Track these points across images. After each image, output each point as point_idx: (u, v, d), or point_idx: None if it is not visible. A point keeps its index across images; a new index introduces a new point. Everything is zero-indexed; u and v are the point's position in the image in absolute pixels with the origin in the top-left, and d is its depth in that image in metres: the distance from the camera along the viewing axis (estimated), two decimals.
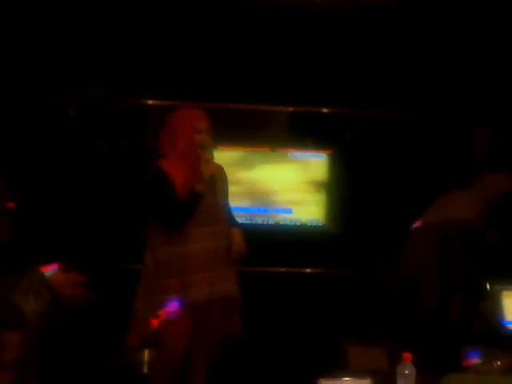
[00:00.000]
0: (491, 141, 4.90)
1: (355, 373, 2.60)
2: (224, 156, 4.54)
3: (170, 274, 3.20)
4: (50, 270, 2.86)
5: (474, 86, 4.79)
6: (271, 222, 4.84)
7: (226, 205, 3.40)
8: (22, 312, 2.48)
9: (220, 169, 3.42)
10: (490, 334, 3.64)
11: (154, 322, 3.15)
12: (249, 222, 4.70)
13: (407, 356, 2.50)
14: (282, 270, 4.81)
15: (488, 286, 3.74)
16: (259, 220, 4.80)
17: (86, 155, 4.72)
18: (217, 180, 3.32)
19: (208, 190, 3.22)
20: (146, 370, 3.95)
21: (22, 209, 4.48)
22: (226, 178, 3.44)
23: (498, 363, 3.18)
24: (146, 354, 4.03)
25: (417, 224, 4.25)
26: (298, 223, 4.86)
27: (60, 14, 4.51)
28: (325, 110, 4.98)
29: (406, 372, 2.49)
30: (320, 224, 4.87)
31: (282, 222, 4.84)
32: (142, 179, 3.40)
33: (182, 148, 3.24)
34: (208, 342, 3.35)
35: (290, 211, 4.85)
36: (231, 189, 3.50)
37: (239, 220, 3.57)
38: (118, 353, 3.53)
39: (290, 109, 5.01)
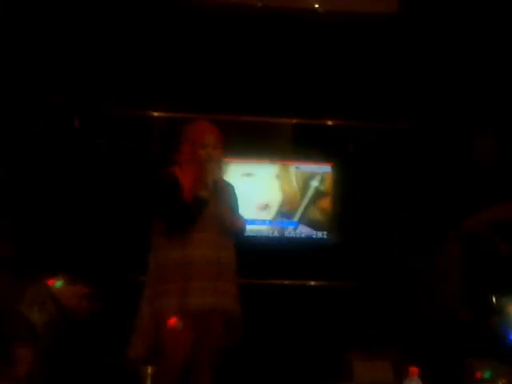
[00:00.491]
0: (493, 151, 4.89)
1: None
2: (228, 168, 4.55)
3: (171, 278, 3.21)
4: (55, 282, 2.86)
5: (476, 98, 4.78)
6: (276, 234, 4.82)
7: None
8: (32, 325, 2.47)
9: (227, 184, 3.50)
10: (497, 347, 3.62)
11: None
12: (253, 234, 4.68)
13: (414, 370, 2.48)
14: (286, 282, 4.79)
15: (494, 299, 3.73)
16: (264, 232, 4.79)
17: (90, 165, 4.71)
18: (223, 193, 3.37)
19: (213, 198, 3.27)
20: (149, 382, 3.95)
21: (24, 218, 4.47)
22: (233, 194, 3.49)
23: (504, 380, 3.17)
24: (149, 367, 4.03)
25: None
26: (302, 235, 4.84)
27: (64, 20, 4.51)
28: (329, 122, 4.97)
29: None
30: (325, 236, 4.85)
31: (286, 235, 4.83)
32: (153, 182, 3.46)
33: (187, 160, 3.36)
34: (210, 351, 3.34)
35: (294, 223, 4.84)
36: None
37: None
38: (123, 364, 3.52)
39: (294, 121, 5.01)
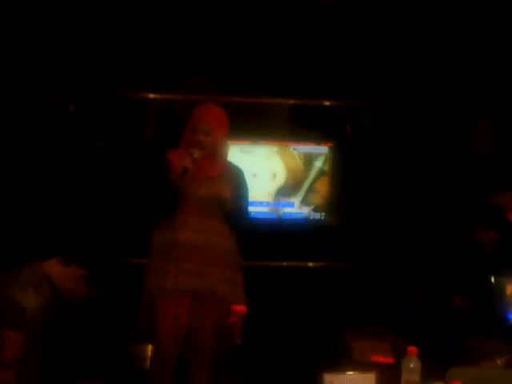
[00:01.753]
0: (493, 132, 4.86)
1: (360, 366, 2.58)
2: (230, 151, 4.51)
3: (158, 259, 3.30)
4: (50, 264, 2.85)
5: (475, 77, 4.75)
6: (273, 215, 4.81)
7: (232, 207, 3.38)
8: (22, 309, 2.46)
9: (235, 171, 3.47)
10: (495, 327, 3.63)
11: None
12: (251, 216, 4.66)
13: (412, 350, 2.47)
14: (284, 264, 4.79)
15: (493, 279, 3.73)
16: (261, 214, 4.77)
17: (86, 151, 4.69)
18: (223, 178, 3.36)
19: (204, 183, 3.27)
20: (148, 363, 3.96)
21: (23, 203, 4.47)
22: (239, 182, 3.44)
23: (502, 360, 3.17)
24: (149, 349, 4.04)
25: None
26: (299, 217, 4.83)
27: (59, 6, 4.47)
28: (326, 103, 4.94)
29: (411, 366, 2.46)
30: (322, 217, 4.84)
31: (283, 216, 4.81)
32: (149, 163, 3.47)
33: (182, 143, 3.39)
34: (206, 337, 3.35)
35: (291, 205, 4.82)
36: None
37: None
38: (120, 347, 3.52)
39: (291, 102, 4.97)
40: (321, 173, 4.85)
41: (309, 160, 4.84)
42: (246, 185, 3.48)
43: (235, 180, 3.43)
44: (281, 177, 4.81)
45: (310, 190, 4.84)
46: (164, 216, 3.28)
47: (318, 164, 4.84)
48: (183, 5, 4.64)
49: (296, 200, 4.82)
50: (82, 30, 4.58)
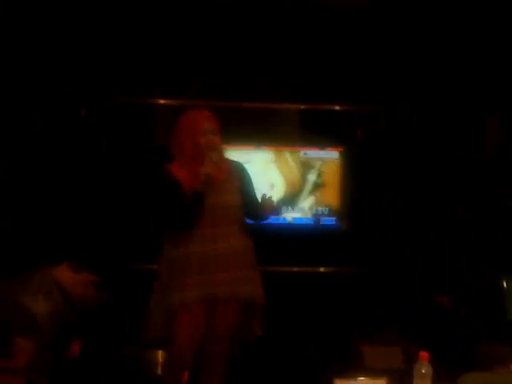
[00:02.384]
0: (504, 131, 4.84)
1: (371, 372, 2.57)
2: (235, 155, 4.51)
3: (173, 274, 3.23)
4: (60, 270, 2.85)
5: (476, 77, 4.73)
6: (284, 220, 4.80)
7: (241, 203, 3.36)
8: (32, 315, 2.45)
9: (236, 167, 3.44)
10: (507, 332, 3.61)
11: None
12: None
13: (424, 355, 2.46)
14: (295, 269, 4.78)
15: (505, 283, 3.71)
16: (272, 219, 4.76)
17: (92, 154, 4.69)
18: (229, 179, 3.32)
19: (208, 190, 3.20)
20: (159, 370, 3.95)
21: (33, 208, 4.48)
22: (244, 176, 3.42)
23: None
24: (160, 355, 4.04)
25: None
26: (310, 222, 4.82)
27: (67, 9, 4.49)
28: (337, 108, 4.93)
29: (423, 371, 2.45)
30: (333, 222, 4.82)
31: (294, 221, 4.81)
32: (151, 182, 3.42)
33: (188, 151, 3.27)
34: (221, 340, 3.33)
35: (302, 210, 4.81)
36: None
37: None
38: (130, 352, 3.52)
39: (302, 107, 4.97)
40: (332, 177, 4.84)
41: (319, 164, 4.83)
42: (250, 176, 3.46)
43: (240, 175, 3.40)
44: (290, 182, 4.80)
45: (321, 194, 4.83)
46: (184, 230, 3.22)
47: (329, 168, 4.83)
48: (191, 11, 4.66)
49: (306, 205, 4.81)
50: (83, 35, 4.60)
